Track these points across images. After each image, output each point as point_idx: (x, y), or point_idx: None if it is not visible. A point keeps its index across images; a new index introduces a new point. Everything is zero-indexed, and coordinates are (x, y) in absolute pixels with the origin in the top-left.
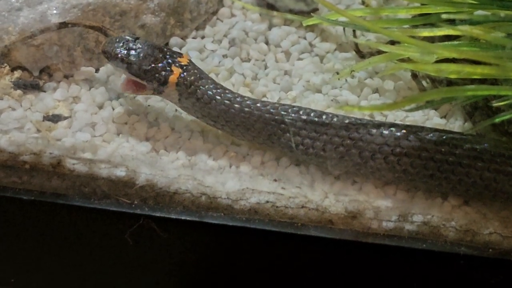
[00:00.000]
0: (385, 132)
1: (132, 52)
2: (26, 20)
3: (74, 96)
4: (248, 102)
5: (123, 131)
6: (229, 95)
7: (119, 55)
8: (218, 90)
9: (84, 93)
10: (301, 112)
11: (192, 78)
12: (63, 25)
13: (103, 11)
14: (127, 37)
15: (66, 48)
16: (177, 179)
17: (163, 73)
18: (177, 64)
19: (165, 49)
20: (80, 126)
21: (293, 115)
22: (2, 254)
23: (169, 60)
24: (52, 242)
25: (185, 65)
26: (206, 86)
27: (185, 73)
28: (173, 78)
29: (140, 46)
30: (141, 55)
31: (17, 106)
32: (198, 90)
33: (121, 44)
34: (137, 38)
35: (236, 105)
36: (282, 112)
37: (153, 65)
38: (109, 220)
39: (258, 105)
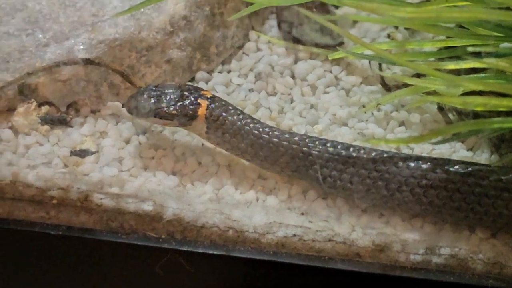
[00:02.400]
0: (412, 164)
1: (156, 100)
2: (53, 56)
3: (101, 131)
4: (276, 133)
5: (150, 166)
6: (257, 125)
7: (146, 109)
8: (247, 121)
9: (111, 128)
10: (328, 145)
11: (220, 109)
12: (88, 61)
13: (130, 46)
14: (146, 88)
15: (93, 83)
16: (204, 213)
17: (191, 107)
18: (203, 97)
19: (187, 86)
20: (107, 160)
21: (320, 147)
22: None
23: (195, 95)
24: (80, 276)
25: (211, 97)
26: (235, 117)
27: (212, 105)
28: (201, 111)
29: (162, 91)
30: (167, 99)
31: (45, 141)
32: (226, 121)
33: (143, 97)
34: (156, 86)
35: (265, 136)
36: (310, 144)
37: (180, 103)
38: (136, 254)
39: (286, 136)
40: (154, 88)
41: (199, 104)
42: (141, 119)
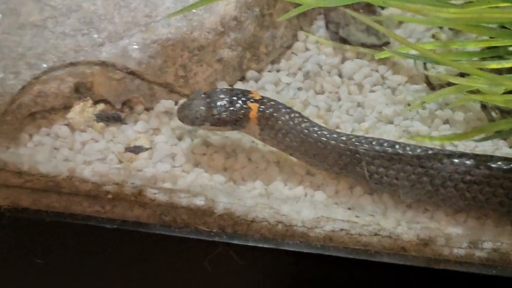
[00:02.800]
0: (455, 161)
1: (207, 107)
2: (108, 55)
3: (154, 128)
4: (325, 132)
5: (202, 162)
6: (307, 124)
7: (197, 117)
8: (298, 120)
9: (164, 125)
10: (374, 143)
11: (270, 110)
12: (130, 73)
13: (182, 46)
14: (196, 95)
15: (146, 82)
16: (254, 207)
17: (242, 111)
18: (252, 100)
19: (235, 90)
20: (160, 157)
21: (367, 145)
22: (86, 282)
23: (243, 98)
24: (133, 269)
25: (260, 99)
26: (286, 116)
27: (262, 106)
28: (253, 114)
29: (211, 98)
30: (217, 106)
31: (100, 138)
32: (278, 121)
33: (194, 105)
34: (205, 93)
35: (314, 135)
36: (356, 143)
37: (231, 108)
38: (189, 248)
39: (334, 135)
40: (203, 95)
41: (249, 107)
42: (193, 127)
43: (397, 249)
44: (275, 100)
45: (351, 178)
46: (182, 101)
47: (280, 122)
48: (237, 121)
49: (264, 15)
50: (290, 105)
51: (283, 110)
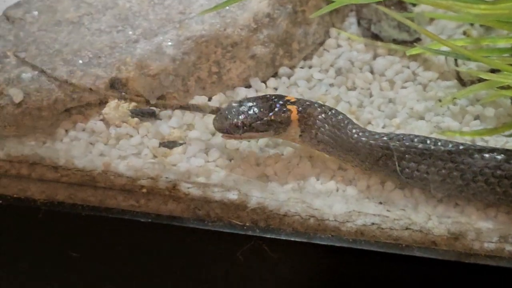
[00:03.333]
0: (486, 155)
1: (247, 114)
2: (143, 52)
3: (188, 124)
4: (357, 129)
5: (235, 157)
6: (343, 121)
7: (240, 125)
8: (334, 118)
9: (198, 120)
10: (405, 139)
11: (309, 110)
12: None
13: (216, 42)
14: (232, 105)
15: (180, 78)
16: (287, 202)
17: (283, 115)
18: (289, 103)
19: (269, 95)
20: (194, 151)
21: (398, 142)
22: (121, 276)
23: (281, 102)
24: (167, 262)
25: (296, 101)
26: (323, 115)
27: (301, 108)
28: (294, 116)
29: (249, 105)
30: (257, 111)
31: (135, 133)
32: (317, 121)
33: (232, 114)
34: (239, 101)
35: (349, 132)
36: (388, 139)
37: (272, 113)
38: (222, 241)
39: (366, 133)
40: (237, 104)
41: (289, 110)
42: (235, 136)
43: (428, 243)
44: (309, 100)
45: (384, 174)
46: (219, 113)
47: (318, 121)
48: (280, 124)
49: (297, 11)
50: (322, 101)
51: (320, 109)
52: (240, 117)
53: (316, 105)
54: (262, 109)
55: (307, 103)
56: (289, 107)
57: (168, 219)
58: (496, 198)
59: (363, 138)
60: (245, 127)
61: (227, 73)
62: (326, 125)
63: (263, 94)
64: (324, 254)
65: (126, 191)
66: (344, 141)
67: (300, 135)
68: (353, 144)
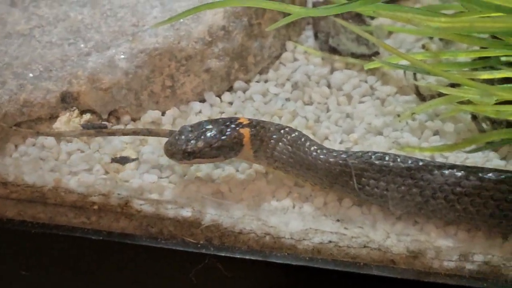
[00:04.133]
0: (446, 172)
1: (197, 141)
2: (95, 65)
3: (141, 139)
4: (315, 147)
5: (189, 173)
6: (299, 139)
7: (189, 151)
8: (289, 136)
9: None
10: (364, 156)
11: (262, 131)
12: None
13: (170, 56)
14: (182, 130)
15: (133, 92)
16: (242, 219)
17: (235, 140)
18: (242, 125)
19: (221, 119)
20: (147, 168)
21: (356, 159)
22: None
23: (232, 125)
24: (119, 281)
25: (249, 123)
26: (276, 135)
27: (253, 130)
28: (246, 140)
29: (200, 131)
30: (207, 137)
31: (86, 148)
32: (271, 141)
33: (182, 140)
34: (191, 126)
35: (306, 150)
36: (346, 157)
37: (223, 137)
38: (175, 259)
39: (324, 150)
40: (190, 129)
41: (241, 133)
42: (185, 162)
43: (386, 262)
44: (263, 121)
45: (342, 191)
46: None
47: (273, 141)
48: (231, 150)
49: (253, 24)
50: (278, 116)
51: (273, 129)
52: (189, 144)
53: (269, 125)
54: (212, 135)
55: (260, 124)
56: (241, 130)
57: (120, 236)
58: (456, 216)
59: (321, 156)
60: (195, 154)
61: (181, 87)
62: (281, 144)
63: (216, 117)
64: (280, 273)
65: (77, 207)
66: (302, 160)
67: (255, 156)
68: (311, 162)
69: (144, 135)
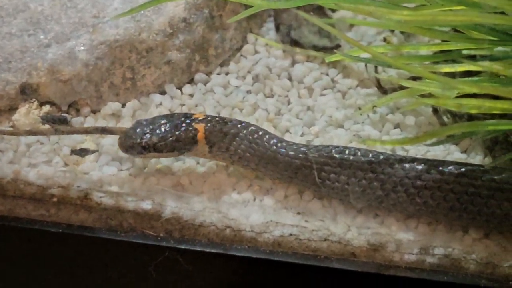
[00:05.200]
0: (406, 165)
1: (151, 135)
2: (55, 56)
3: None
4: (274, 140)
5: (149, 166)
6: (256, 133)
7: (143, 146)
8: (246, 131)
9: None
10: (325, 150)
11: (218, 126)
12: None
13: (130, 47)
14: (137, 124)
15: (93, 83)
16: (202, 212)
17: (189, 135)
18: (197, 121)
19: (177, 114)
20: (107, 160)
21: (317, 153)
22: (30, 285)
23: (187, 121)
24: (78, 274)
25: (204, 118)
26: (232, 130)
27: (208, 125)
28: (200, 135)
29: (154, 125)
30: (162, 132)
31: (45, 140)
32: (227, 136)
33: (136, 135)
34: (145, 120)
35: (265, 144)
36: (306, 150)
37: (177, 132)
38: (135, 252)
39: (284, 143)
40: (145, 123)
41: (195, 129)
42: (139, 156)
43: (347, 255)
44: (219, 116)
45: (303, 186)
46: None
47: (229, 136)
48: (186, 145)
49: (214, 16)
50: (239, 109)
51: (230, 124)
52: (144, 138)
53: (225, 120)
54: (167, 130)
55: (216, 119)
56: (196, 126)
57: (80, 229)
58: (417, 209)
59: (281, 150)
60: (149, 148)
61: (141, 79)
62: (238, 138)
63: (172, 113)
64: (240, 266)
65: (36, 200)
66: (261, 154)
67: (210, 152)
68: (270, 156)
69: (99, 133)
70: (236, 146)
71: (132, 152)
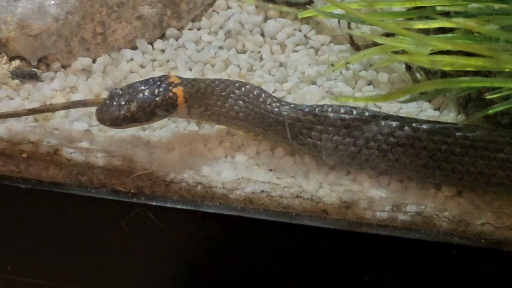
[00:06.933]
0: (380, 122)
1: (130, 104)
2: (24, 11)
3: (71, 86)
4: (250, 95)
5: None
6: (232, 91)
7: (122, 116)
8: (220, 88)
9: (81, 83)
10: (296, 105)
11: (195, 89)
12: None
13: (101, 2)
14: (113, 93)
15: (64, 38)
16: (173, 168)
17: (170, 101)
18: (173, 85)
19: (151, 80)
20: (77, 115)
21: (289, 107)
22: (1, 243)
23: (164, 85)
24: (48, 230)
25: (180, 82)
26: (209, 89)
27: (186, 88)
28: (180, 100)
29: (131, 93)
30: (140, 100)
31: (15, 96)
32: (204, 98)
33: (114, 105)
34: (121, 89)
35: (241, 98)
36: (278, 104)
37: (156, 99)
38: (105, 209)
39: (258, 98)
40: (121, 92)
41: (175, 93)
42: (119, 128)
43: (318, 212)
44: (193, 79)
45: (275, 140)
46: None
47: (207, 95)
48: (166, 110)
49: None
50: (211, 65)
51: (204, 84)
52: (122, 109)
53: (200, 81)
54: (145, 98)
55: (192, 82)
56: (174, 90)
57: (50, 185)
58: (389, 166)
59: (256, 103)
60: (128, 119)
61: (112, 34)
62: (214, 96)
63: (145, 78)
64: (211, 223)
65: (6, 155)
66: (236, 109)
67: (189, 113)
68: (246, 112)
69: (80, 107)
70: (212, 104)
71: (111, 125)
